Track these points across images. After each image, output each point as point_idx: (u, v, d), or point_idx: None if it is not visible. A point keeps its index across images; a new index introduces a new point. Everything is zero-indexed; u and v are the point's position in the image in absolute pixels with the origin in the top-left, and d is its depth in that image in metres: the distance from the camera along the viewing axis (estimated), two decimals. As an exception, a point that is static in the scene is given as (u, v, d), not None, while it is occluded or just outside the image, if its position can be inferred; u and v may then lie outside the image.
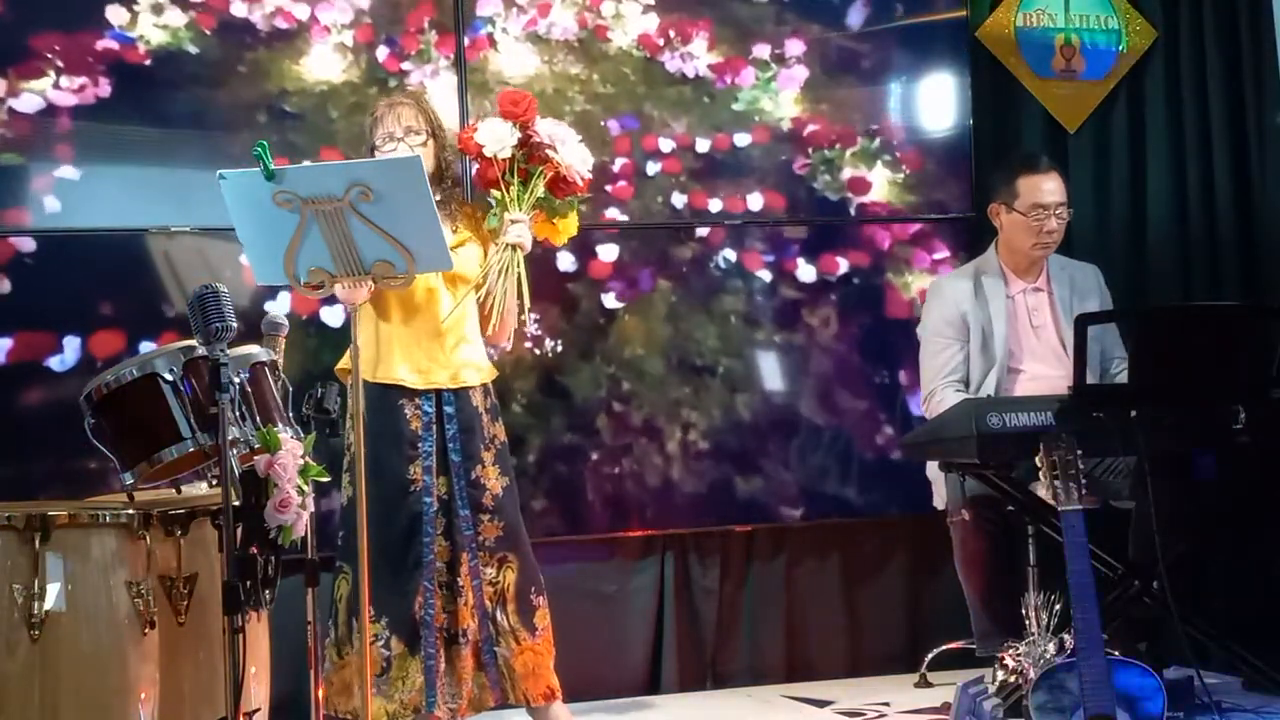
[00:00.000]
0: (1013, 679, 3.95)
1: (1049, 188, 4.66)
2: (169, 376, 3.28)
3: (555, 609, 4.21)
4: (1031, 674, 3.72)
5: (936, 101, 5.24)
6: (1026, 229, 4.65)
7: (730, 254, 4.97)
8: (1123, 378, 4.60)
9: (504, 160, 4.00)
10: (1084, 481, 3.57)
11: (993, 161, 5.19)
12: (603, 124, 4.76)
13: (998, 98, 5.39)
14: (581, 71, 4.66)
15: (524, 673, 4.08)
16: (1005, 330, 4.65)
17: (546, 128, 4.04)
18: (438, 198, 4.11)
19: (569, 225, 4.16)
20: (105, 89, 4.36)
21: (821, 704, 4.76)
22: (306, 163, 4.32)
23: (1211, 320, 4.33)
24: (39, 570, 3.21)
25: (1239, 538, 4.66)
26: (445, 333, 4.07)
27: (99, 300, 4.45)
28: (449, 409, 4.07)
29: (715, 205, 4.96)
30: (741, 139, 4.97)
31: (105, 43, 4.40)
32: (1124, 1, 5.46)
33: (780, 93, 4.97)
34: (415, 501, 4.03)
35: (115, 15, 4.44)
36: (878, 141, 5.08)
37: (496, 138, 4.00)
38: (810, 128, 5.00)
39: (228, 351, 3.18)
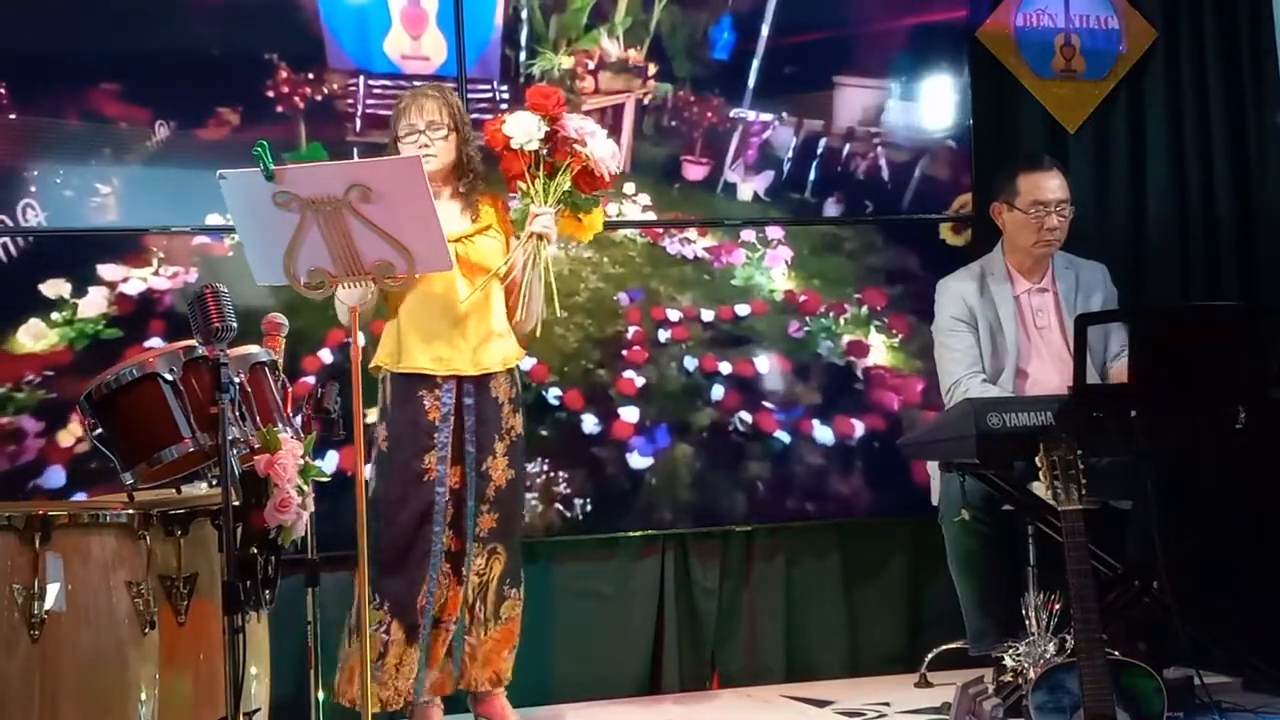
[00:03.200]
0: (1013, 679, 3.95)
1: (1049, 185, 4.65)
2: (169, 376, 3.28)
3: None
4: (1031, 674, 3.72)
5: (936, 102, 5.24)
6: (1027, 226, 4.65)
7: (746, 415, 5.07)
8: (1121, 363, 4.60)
9: (530, 153, 4.04)
10: (1084, 481, 3.58)
11: (993, 162, 5.19)
12: (614, 298, 4.96)
13: (998, 98, 5.38)
14: (593, 255, 4.92)
15: (480, 659, 4.15)
16: (1015, 330, 4.65)
17: (575, 122, 4.09)
18: (461, 189, 4.14)
19: (594, 221, 4.21)
20: (192, 275, 4.63)
21: (821, 704, 4.76)
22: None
23: (1211, 320, 4.33)
24: (39, 570, 3.21)
25: (1239, 537, 4.66)
26: (464, 319, 4.10)
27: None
28: (468, 400, 4.11)
29: (726, 367, 5.06)
30: (742, 309, 5.10)
31: (200, 239, 4.67)
32: (1124, 1, 5.46)
33: (771, 269, 5.12)
34: (428, 491, 4.07)
35: (212, 219, 4.66)
36: (865, 309, 5.16)
37: (524, 130, 4.04)
38: (802, 298, 5.15)
39: (228, 351, 3.18)
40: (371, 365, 4.16)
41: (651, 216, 5.03)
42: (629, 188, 4.99)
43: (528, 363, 4.63)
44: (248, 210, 3.42)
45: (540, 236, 4.06)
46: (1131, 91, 5.47)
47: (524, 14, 4.90)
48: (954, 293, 4.72)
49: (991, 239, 4.87)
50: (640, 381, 4.97)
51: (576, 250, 4.86)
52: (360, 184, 3.33)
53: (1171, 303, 5.29)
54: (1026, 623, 3.85)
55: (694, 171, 5.08)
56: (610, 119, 4.95)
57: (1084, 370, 4.10)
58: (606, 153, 4.10)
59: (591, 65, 4.96)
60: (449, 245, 4.06)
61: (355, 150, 4.75)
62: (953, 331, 4.68)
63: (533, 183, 4.05)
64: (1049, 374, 4.62)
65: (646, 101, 5.01)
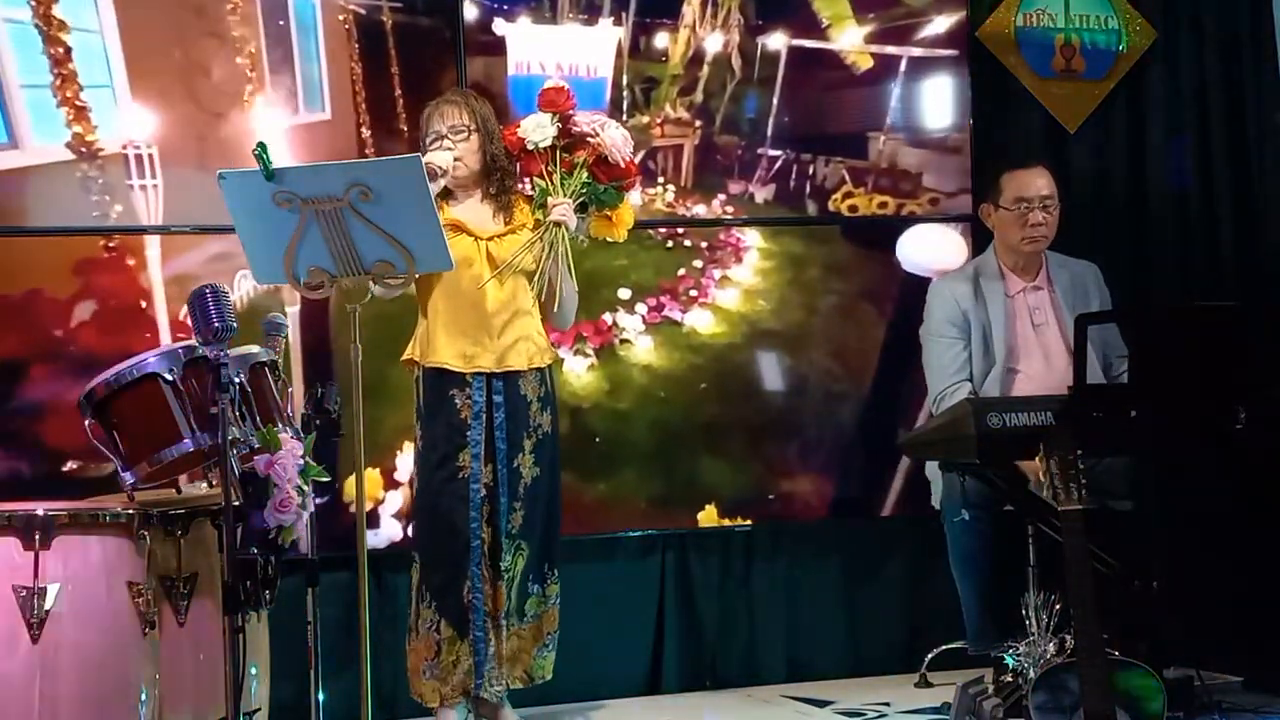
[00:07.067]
0: (1013, 679, 3.95)
1: (1033, 182, 4.66)
2: (169, 376, 3.28)
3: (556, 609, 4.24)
4: (1031, 674, 3.72)
5: (937, 101, 5.24)
6: (1014, 223, 4.66)
7: None
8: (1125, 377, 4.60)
9: (545, 151, 4.10)
10: (1084, 481, 3.57)
11: (993, 162, 5.19)
12: None
13: (998, 98, 5.38)
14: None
15: (509, 657, 4.16)
16: (1005, 331, 4.65)
17: (586, 117, 4.14)
18: (492, 190, 4.17)
19: (624, 216, 4.22)
20: None
21: (821, 704, 4.76)
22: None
23: (1211, 320, 4.33)
24: (39, 570, 3.21)
25: (1239, 537, 4.66)
26: (491, 317, 4.13)
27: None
28: (497, 397, 4.14)
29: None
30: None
31: None
32: (1124, 1, 5.46)
33: None
34: (463, 488, 4.12)
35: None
36: None
37: (538, 127, 4.11)
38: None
39: (228, 351, 3.18)
40: (403, 359, 4.23)
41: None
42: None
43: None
44: (248, 210, 3.42)
45: (558, 225, 4.08)
46: (1131, 91, 5.47)
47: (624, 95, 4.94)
48: (946, 295, 4.72)
49: (986, 240, 4.88)
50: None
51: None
52: (360, 183, 3.33)
53: (1171, 303, 5.29)
54: (1026, 623, 3.85)
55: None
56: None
57: (1084, 370, 4.10)
58: (619, 137, 4.14)
59: (659, 120, 5.03)
60: (481, 244, 4.14)
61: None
62: (941, 337, 4.68)
63: (550, 179, 4.10)
64: (1046, 371, 4.62)
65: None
